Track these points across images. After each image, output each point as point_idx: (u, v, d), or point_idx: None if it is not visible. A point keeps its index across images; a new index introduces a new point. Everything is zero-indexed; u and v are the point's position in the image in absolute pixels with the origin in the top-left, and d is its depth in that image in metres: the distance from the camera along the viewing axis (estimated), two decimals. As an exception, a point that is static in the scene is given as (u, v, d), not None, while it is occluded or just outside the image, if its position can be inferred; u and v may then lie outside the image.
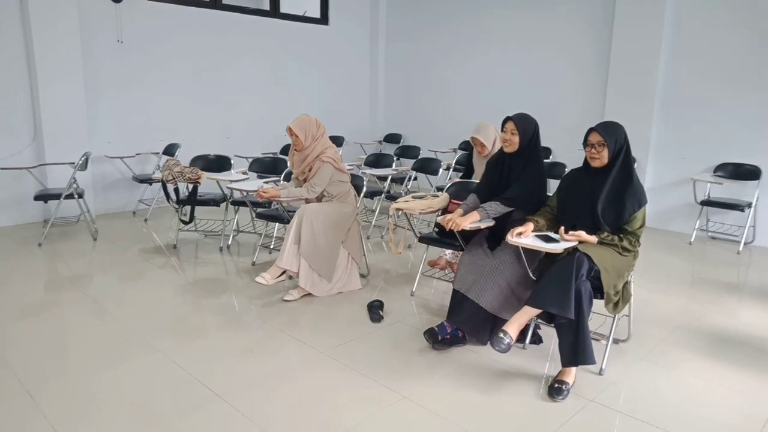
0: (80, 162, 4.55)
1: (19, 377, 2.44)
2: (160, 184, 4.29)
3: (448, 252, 3.83)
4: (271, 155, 5.29)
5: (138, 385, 2.41)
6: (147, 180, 5.42)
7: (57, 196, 4.52)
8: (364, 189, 4.10)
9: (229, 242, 4.57)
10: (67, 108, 5.18)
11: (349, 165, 4.38)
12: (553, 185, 2.95)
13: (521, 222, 2.62)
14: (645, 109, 5.40)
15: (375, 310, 3.15)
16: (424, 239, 3.43)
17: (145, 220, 5.51)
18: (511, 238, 2.49)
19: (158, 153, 5.82)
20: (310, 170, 3.50)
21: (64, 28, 5.08)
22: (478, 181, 3.37)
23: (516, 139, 2.81)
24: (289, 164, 4.03)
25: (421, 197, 3.43)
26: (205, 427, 2.10)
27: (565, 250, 2.40)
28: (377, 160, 5.48)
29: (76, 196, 4.56)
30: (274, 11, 7.00)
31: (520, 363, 2.64)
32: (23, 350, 2.72)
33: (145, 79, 5.88)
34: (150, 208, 5.66)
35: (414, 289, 3.55)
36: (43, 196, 4.59)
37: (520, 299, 2.59)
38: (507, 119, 2.85)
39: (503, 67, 6.77)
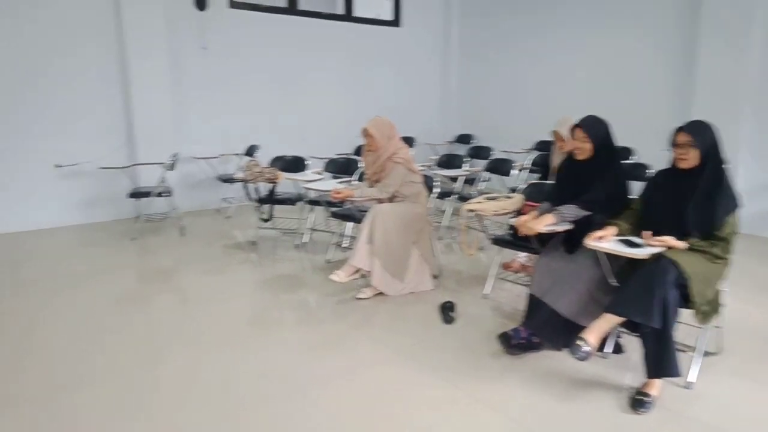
0: (169, 162, 4.86)
1: (115, 361, 2.65)
2: (241, 183, 4.51)
3: (523, 255, 3.76)
4: (345, 156, 5.40)
5: (220, 373, 2.55)
6: (229, 179, 5.69)
7: (148, 194, 4.87)
8: (436, 190, 4.11)
9: (305, 240, 4.72)
10: (156, 112, 5.55)
11: (420, 166, 4.39)
12: (635, 187, 2.82)
13: (602, 225, 2.53)
14: (736, 105, 5.02)
15: (447, 311, 3.15)
16: (498, 241, 3.39)
17: (228, 217, 5.80)
18: (592, 242, 2.41)
19: (239, 154, 6.10)
20: (382, 171, 3.55)
21: (154, 37, 5.44)
22: (554, 180, 3.28)
23: (587, 145, 2.71)
24: (362, 165, 4.10)
25: (494, 198, 3.39)
26: (284, 419, 2.19)
27: (651, 255, 2.29)
28: (449, 161, 5.46)
29: (165, 195, 4.88)
30: (348, 15, 7.14)
31: (600, 372, 2.55)
32: (118, 335, 2.95)
33: (227, 84, 6.19)
34: (232, 206, 5.95)
35: (487, 292, 3.51)
36: (136, 194, 4.95)
37: (600, 305, 2.50)
38: (576, 126, 2.74)
39: (580, 63, 6.54)
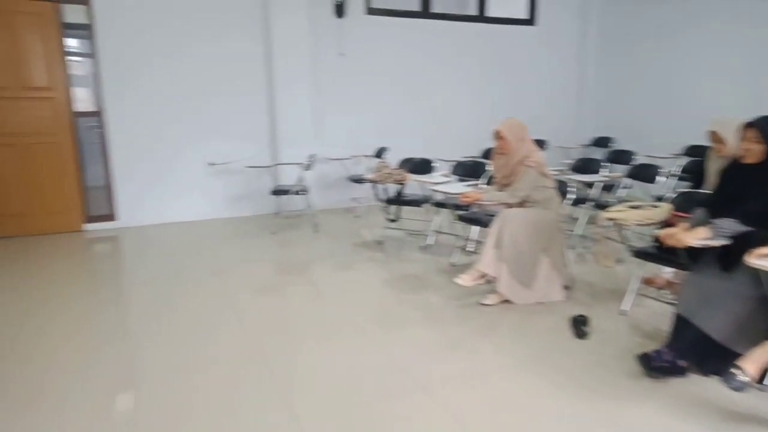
0: (307, 163, 5.18)
1: (255, 345, 2.88)
2: (371, 184, 4.66)
3: (669, 270, 3.43)
4: (472, 159, 5.35)
5: (347, 366, 2.65)
6: (359, 180, 5.92)
7: (287, 192, 5.23)
8: (571, 196, 3.90)
9: (430, 242, 4.75)
10: (297, 115, 5.94)
11: (553, 170, 4.21)
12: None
13: (766, 241, 2.22)
14: None
15: (579, 324, 2.97)
16: (640, 254, 3.13)
17: (357, 216, 6.03)
18: (755, 259, 2.13)
19: (369, 155, 6.31)
20: (513, 175, 3.45)
21: (298, 44, 5.82)
22: (709, 188, 2.95)
23: (759, 148, 2.40)
24: (491, 168, 4.03)
25: (637, 207, 3.13)
26: (407, 416, 2.22)
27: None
28: (584, 166, 5.16)
29: (302, 193, 5.22)
30: (481, 15, 7.05)
31: (759, 406, 2.24)
32: (259, 322, 3.20)
33: (360, 87, 6.44)
34: (361, 205, 6.19)
35: (625, 308, 3.26)
36: (277, 191, 5.35)
37: (760, 331, 2.20)
38: (748, 125, 2.44)
39: (738, 59, 5.80)
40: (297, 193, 5.24)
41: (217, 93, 5.70)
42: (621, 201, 4.02)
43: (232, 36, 5.69)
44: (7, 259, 4.56)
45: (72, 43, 6.03)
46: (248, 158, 5.86)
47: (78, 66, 6.24)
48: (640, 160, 5.44)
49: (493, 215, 3.52)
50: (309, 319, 3.27)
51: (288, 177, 5.70)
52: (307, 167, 5.23)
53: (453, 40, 6.87)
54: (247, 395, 2.39)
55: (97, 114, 5.35)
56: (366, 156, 6.35)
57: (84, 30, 5.19)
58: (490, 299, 3.38)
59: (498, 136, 3.43)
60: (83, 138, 5.49)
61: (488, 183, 4.27)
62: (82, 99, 5.97)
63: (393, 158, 5.59)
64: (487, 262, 3.30)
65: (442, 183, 4.33)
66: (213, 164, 5.81)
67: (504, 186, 3.53)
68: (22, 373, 2.59)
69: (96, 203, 5.53)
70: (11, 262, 4.45)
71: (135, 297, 3.66)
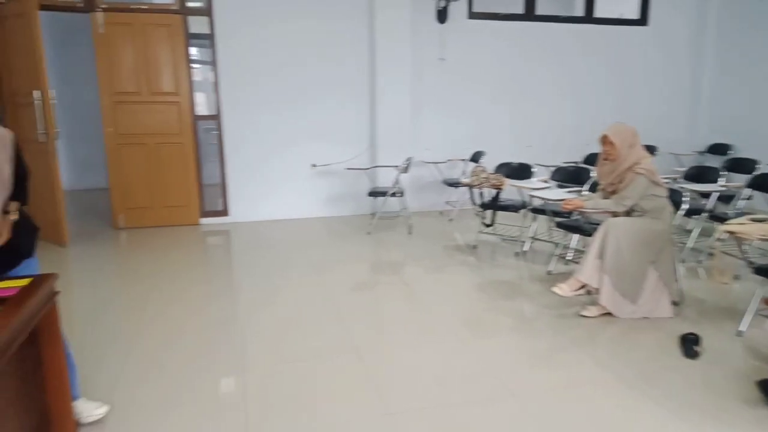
0: (403, 166, 5.29)
1: (352, 340, 3.00)
2: (466, 188, 4.66)
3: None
4: (574, 164, 5.17)
5: (439, 367, 2.69)
6: (454, 183, 5.94)
7: (384, 194, 5.37)
8: (684, 206, 3.67)
9: (526, 248, 4.66)
10: (396, 120, 6.06)
11: (664, 178, 3.97)
12: None
13: None
14: None
15: (690, 344, 2.79)
16: (762, 271, 2.88)
17: (450, 220, 6.05)
18: None
19: (465, 159, 6.30)
20: (621, 182, 3.30)
21: (400, 49, 5.94)
22: None
23: None
24: (595, 174, 3.88)
25: (761, 221, 2.89)
26: (497, 422, 2.22)
27: None
28: (699, 174, 4.81)
29: (398, 195, 5.33)
30: (588, 16, 6.78)
31: None
32: (352, 318, 3.32)
33: (459, 92, 6.45)
34: (455, 209, 6.19)
35: (742, 329, 3.01)
36: (374, 193, 5.50)
37: None
38: None
39: None
40: (393, 195, 5.36)
41: (322, 99, 5.97)
42: (741, 213, 3.70)
43: (339, 46, 5.92)
44: (133, 247, 5.10)
45: (194, 51, 6.60)
46: (348, 161, 6.07)
47: (198, 73, 6.80)
48: (763, 169, 4.98)
49: (595, 223, 3.40)
50: (402, 318, 3.35)
51: (384, 179, 5.84)
52: (404, 170, 5.33)
53: (557, 42, 6.68)
54: (344, 388, 2.50)
55: (214, 117, 5.81)
56: (462, 160, 6.35)
57: (206, 39, 5.67)
58: (591, 311, 3.27)
59: (605, 141, 3.30)
60: (201, 139, 5.98)
61: (592, 190, 4.11)
62: (201, 103, 6.52)
63: (490, 162, 5.54)
64: (588, 272, 3.19)
65: (541, 189, 4.24)
66: (315, 166, 6.08)
67: (610, 193, 3.39)
68: (144, 350, 2.90)
69: (211, 200, 6.01)
70: (137, 251, 4.97)
71: (245, 287, 3.94)
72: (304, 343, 2.97)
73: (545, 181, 4.73)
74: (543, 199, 3.98)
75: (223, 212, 5.97)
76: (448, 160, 6.35)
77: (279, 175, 6.02)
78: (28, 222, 2.02)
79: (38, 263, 2.09)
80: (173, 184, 5.68)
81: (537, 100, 6.75)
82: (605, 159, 3.38)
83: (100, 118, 5.46)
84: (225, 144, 5.81)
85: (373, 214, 5.89)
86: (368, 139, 6.22)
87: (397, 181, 5.38)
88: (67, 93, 7.50)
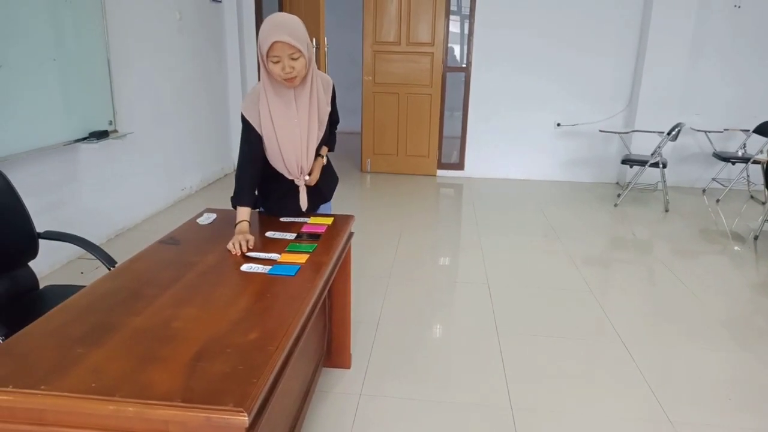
0: (674, 133, 4.59)
1: (568, 317, 2.75)
2: (743, 164, 3.85)
3: None
4: None
5: (681, 367, 2.30)
6: (730, 159, 5.01)
7: (643, 163, 4.76)
8: None
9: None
10: (666, 78, 5.25)
11: None
12: None
13: None
14: None
15: None
16: None
17: (717, 200, 5.15)
18: None
19: (747, 130, 5.24)
20: None
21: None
22: None
23: None
24: None
25: None
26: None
27: None
28: None
29: (660, 166, 4.69)
30: None
31: None
32: (577, 293, 3.04)
33: (752, 48, 5.29)
34: (724, 188, 5.25)
35: None
36: (629, 161, 4.92)
37: None
38: None
39: None
40: (654, 165, 4.72)
41: (581, 50, 5.46)
42: None
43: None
44: (383, 190, 5.45)
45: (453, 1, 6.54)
46: (599, 122, 5.54)
47: (454, 24, 6.78)
48: None
49: None
50: (633, 304, 2.99)
51: (639, 146, 5.19)
52: (674, 137, 4.63)
53: None
54: (604, 371, 2.31)
55: (463, 69, 5.78)
56: (743, 130, 5.30)
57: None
58: None
59: None
60: (447, 92, 6.03)
61: None
62: (452, 55, 6.53)
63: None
64: None
65: None
66: (560, 125, 5.69)
67: None
68: (400, 276, 3.06)
69: (447, 152, 6.09)
70: (386, 194, 5.30)
71: (484, 243, 3.88)
72: (552, 315, 2.82)
73: None
74: None
75: (459, 165, 6.01)
76: (725, 129, 5.36)
77: (519, 132, 5.79)
78: (331, 168, 2.20)
79: (331, 205, 2.29)
80: (418, 134, 5.87)
81: None
82: None
83: (358, 66, 5.84)
84: (470, 97, 5.76)
85: (617, 184, 5.32)
86: (627, 98, 5.56)
87: (658, 150, 4.72)
88: (333, 41, 8.22)
